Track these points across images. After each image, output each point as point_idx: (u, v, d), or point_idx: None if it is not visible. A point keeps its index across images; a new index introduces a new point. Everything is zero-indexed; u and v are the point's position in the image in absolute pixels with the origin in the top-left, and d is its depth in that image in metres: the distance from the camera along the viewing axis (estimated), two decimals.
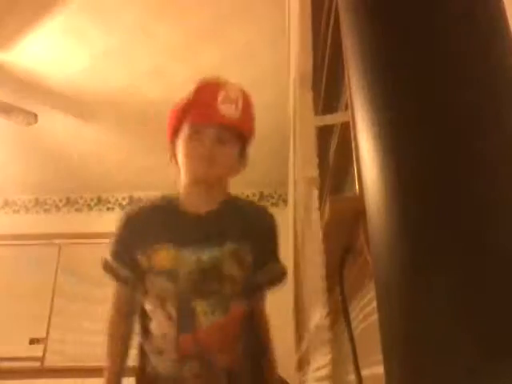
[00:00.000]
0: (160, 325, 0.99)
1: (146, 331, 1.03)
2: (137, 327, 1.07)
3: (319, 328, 1.37)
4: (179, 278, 0.97)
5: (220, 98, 1.01)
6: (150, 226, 1.03)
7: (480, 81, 0.28)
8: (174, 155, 1.11)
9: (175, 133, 1.09)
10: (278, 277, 1.12)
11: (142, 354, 1.04)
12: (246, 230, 1.04)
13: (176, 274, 0.97)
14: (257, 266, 1.05)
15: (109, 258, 1.08)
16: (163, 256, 0.99)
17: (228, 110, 1.02)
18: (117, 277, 1.07)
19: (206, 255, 0.98)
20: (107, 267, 1.08)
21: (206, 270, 0.98)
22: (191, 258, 0.98)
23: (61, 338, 3.80)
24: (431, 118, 0.28)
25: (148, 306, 1.02)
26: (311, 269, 1.41)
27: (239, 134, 1.07)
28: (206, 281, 0.98)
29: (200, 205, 1.05)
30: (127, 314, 1.07)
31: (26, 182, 4.13)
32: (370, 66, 0.32)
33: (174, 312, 0.97)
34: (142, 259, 1.01)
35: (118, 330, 1.07)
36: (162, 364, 0.99)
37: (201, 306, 0.97)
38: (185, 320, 0.97)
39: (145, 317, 1.03)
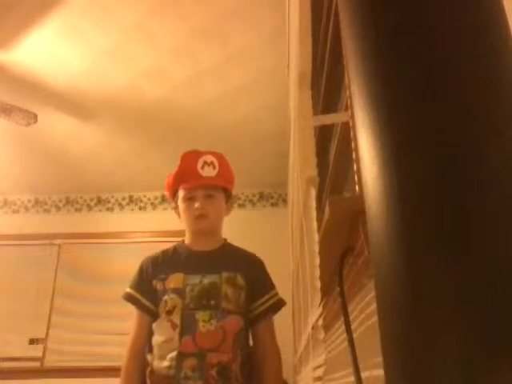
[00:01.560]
0: (165, 333, 1.27)
1: (150, 345, 1.32)
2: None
3: (315, 328, 1.37)
4: (186, 294, 1.28)
5: (199, 165, 1.36)
6: (163, 262, 1.37)
7: (481, 80, 0.28)
8: (176, 208, 1.43)
9: (174, 194, 1.43)
10: (276, 304, 1.37)
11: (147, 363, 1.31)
12: (239, 264, 1.36)
13: (184, 292, 1.28)
14: (254, 298, 1.34)
15: (131, 290, 1.36)
16: (175, 279, 1.30)
17: (207, 172, 1.37)
18: (138, 304, 1.34)
19: (207, 279, 1.30)
20: (130, 298, 1.35)
21: (206, 289, 1.28)
22: (196, 280, 1.30)
23: (60, 338, 3.81)
24: (431, 118, 0.28)
25: (155, 323, 1.31)
26: (308, 269, 1.41)
27: (221, 187, 1.40)
28: (206, 297, 1.27)
29: (203, 246, 1.38)
30: (145, 337, 1.32)
31: (25, 181, 4.13)
32: (370, 66, 0.32)
33: (178, 320, 1.26)
34: (157, 283, 1.32)
35: (138, 352, 1.31)
36: (163, 366, 1.24)
37: (200, 316, 1.26)
38: (187, 326, 1.25)
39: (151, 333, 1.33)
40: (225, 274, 1.31)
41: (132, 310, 1.36)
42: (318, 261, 1.06)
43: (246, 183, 4.16)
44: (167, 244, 1.46)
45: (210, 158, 1.38)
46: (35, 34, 2.55)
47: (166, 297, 1.28)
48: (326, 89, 1.44)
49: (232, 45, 2.62)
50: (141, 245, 3.86)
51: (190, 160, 1.38)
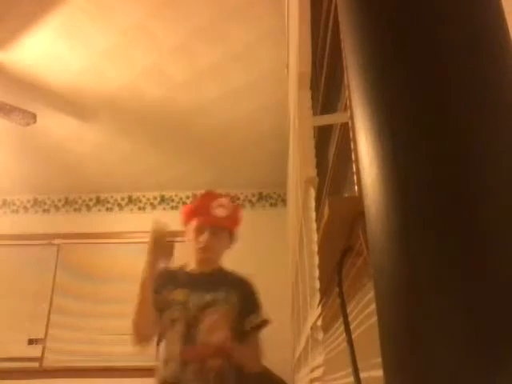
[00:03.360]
0: (170, 340, 1.47)
1: (157, 351, 1.53)
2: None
3: (314, 329, 1.37)
4: (189, 307, 1.50)
5: (214, 205, 1.61)
6: (173, 278, 1.60)
7: (481, 81, 0.28)
8: (187, 234, 1.67)
9: (187, 223, 1.67)
10: (261, 323, 1.59)
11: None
12: (235, 285, 1.60)
13: (187, 305, 1.50)
14: (244, 314, 1.55)
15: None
16: (180, 293, 1.53)
17: (220, 213, 1.61)
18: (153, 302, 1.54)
19: (207, 297, 1.53)
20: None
21: (207, 304, 1.51)
22: (197, 296, 1.52)
23: (59, 338, 3.80)
24: (430, 118, 0.28)
25: (161, 331, 1.51)
26: (307, 269, 1.41)
27: (227, 227, 1.66)
28: (206, 312, 1.49)
29: (204, 269, 1.63)
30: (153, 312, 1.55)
31: (24, 181, 4.13)
32: (370, 66, 0.32)
33: (181, 330, 1.46)
34: (166, 294, 1.54)
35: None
36: (168, 370, 1.44)
37: (200, 327, 1.46)
38: (189, 336, 1.45)
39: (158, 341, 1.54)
40: (220, 293, 1.54)
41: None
42: (317, 261, 1.06)
43: (245, 183, 4.16)
44: None
45: (224, 201, 1.64)
46: (35, 34, 2.55)
47: (172, 306, 1.51)
48: (325, 89, 1.44)
49: (231, 45, 2.62)
50: (140, 245, 3.85)
51: (206, 199, 1.65)
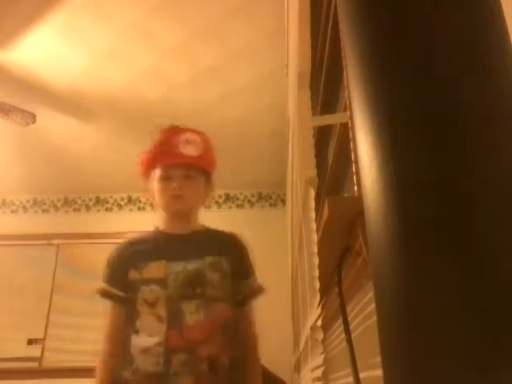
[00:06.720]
0: (150, 325, 1.15)
1: (129, 337, 1.20)
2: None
3: (314, 329, 1.37)
4: (168, 284, 1.16)
5: (181, 142, 1.25)
6: (139, 250, 1.25)
7: (480, 79, 0.28)
8: (148, 191, 1.32)
9: (148, 173, 1.31)
10: (256, 291, 1.28)
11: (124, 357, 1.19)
12: (221, 247, 1.26)
13: (166, 282, 1.16)
14: (236, 281, 1.24)
15: (104, 284, 1.25)
16: (155, 268, 1.19)
17: (189, 151, 1.25)
18: (114, 298, 1.22)
19: (190, 266, 1.19)
20: (104, 293, 1.24)
21: (190, 277, 1.18)
22: (178, 268, 1.18)
23: (59, 338, 3.80)
24: (430, 118, 0.28)
25: (138, 319, 1.18)
26: (307, 270, 1.41)
27: (202, 169, 1.28)
28: (191, 286, 1.17)
29: (181, 229, 1.27)
30: (121, 330, 1.21)
31: (24, 181, 4.13)
32: (369, 66, 0.32)
33: (164, 313, 1.14)
34: (134, 274, 1.19)
35: (114, 346, 1.20)
36: (147, 361, 1.13)
37: (187, 307, 1.15)
38: (174, 319, 1.14)
39: (130, 327, 1.20)
40: (209, 259, 1.21)
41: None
42: (316, 261, 1.06)
43: (244, 183, 4.16)
44: None
45: (192, 136, 1.27)
46: (34, 34, 2.54)
47: (144, 287, 1.17)
48: (324, 89, 1.44)
49: (231, 45, 2.62)
50: None
51: (170, 136, 1.27)
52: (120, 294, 1.21)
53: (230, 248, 1.28)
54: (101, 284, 1.25)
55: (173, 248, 1.24)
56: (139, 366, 1.14)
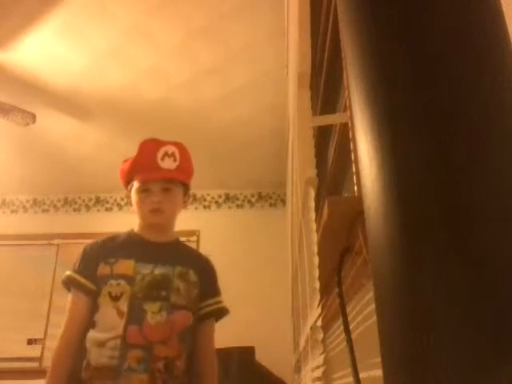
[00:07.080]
0: (109, 319, 1.18)
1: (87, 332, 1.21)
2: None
3: (314, 329, 1.37)
4: (135, 282, 1.21)
5: (160, 156, 1.29)
6: (113, 246, 1.30)
7: (481, 79, 0.28)
8: (129, 198, 1.35)
9: (128, 184, 1.35)
10: (220, 311, 1.33)
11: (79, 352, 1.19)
12: (192, 261, 1.33)
13: (133, 280, 1.21)
14: (201, 297, 1.29)
15: (72, 273, 1.29)
16: (125, 265, 1.23)
17: (168, 164, 1.29)
18: (81, 289, 1.24)
19: (159, 271, 1.24)
20: (72, 282, 1.27)
21: (157, 280, 1.23)
22: (147, 270, 1.23)
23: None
24: (431, 118, 0.28)
25: (98, 311, 1.21)
26: (307, 270, 1.41)
27: (180, 181, 1.33)
28: (156, 289, 1.22)
29: (155, 238, 1.32)
30: (82, 323, 1.21)
31: (24, 181, 4.13)
32: (369, 66, 0.32)
33: (125, 308, 1.17)
34: (104, 267, 1.24)
35: (73, 337, 1.21)
36: (102, 354, 1.14)
37: (150, 307, 1.19)
38: (134, 315, 1.17)
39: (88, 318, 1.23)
40: (178, 268, 1.26)
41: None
42: (316, 261, 1.06)
43: (244, 184, 4.16)
44: None
45: (171, 149, 1.31)
46: (34, 34, 2.54)
47: (112, 281, 1.21)
48: (324, 89, 1.44)
49: (231, 45, 2.62)
50: None
51: (149, 149, 1.31)
52: (88, 285, 1.23)
53: (200, 263, 1.34)
54: (71, 273, 1.29)
55: (144, 251, 1.28)
56: (90, 361, 1.14)
